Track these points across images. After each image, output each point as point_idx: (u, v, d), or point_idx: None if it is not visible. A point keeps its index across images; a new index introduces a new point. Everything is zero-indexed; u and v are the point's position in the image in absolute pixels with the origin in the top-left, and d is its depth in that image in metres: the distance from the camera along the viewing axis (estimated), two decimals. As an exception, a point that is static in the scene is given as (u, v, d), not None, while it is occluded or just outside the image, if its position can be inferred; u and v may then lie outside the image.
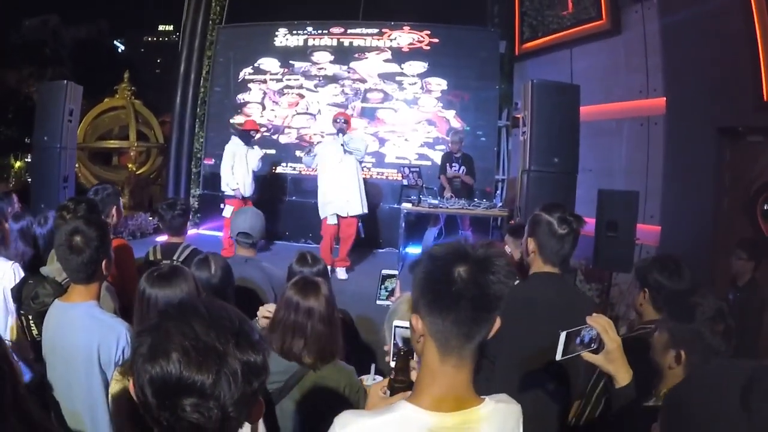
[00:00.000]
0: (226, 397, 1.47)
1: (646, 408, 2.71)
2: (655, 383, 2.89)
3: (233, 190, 11.24)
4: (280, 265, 5.11)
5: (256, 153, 11.53)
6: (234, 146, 11.38)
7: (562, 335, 2.43)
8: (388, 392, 2.35)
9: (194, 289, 3.35)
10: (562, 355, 2.44)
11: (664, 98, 9.60)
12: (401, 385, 2.30)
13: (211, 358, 1.47)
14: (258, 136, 12.33)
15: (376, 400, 2.38)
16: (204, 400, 1.45)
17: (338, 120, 10.14)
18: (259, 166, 11.69)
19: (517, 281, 5.02)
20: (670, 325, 2.83)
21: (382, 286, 3.69)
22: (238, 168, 11.26)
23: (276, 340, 3.34)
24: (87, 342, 3.28)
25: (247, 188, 11.38)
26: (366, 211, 10.28)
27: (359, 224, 10.40)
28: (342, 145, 9.91)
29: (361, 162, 10.40)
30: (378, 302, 3.80)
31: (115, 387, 3.24)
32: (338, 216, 10.04)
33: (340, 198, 9.95)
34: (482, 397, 1.94)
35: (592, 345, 2.49)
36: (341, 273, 10.12)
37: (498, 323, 1.91)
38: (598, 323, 2.49)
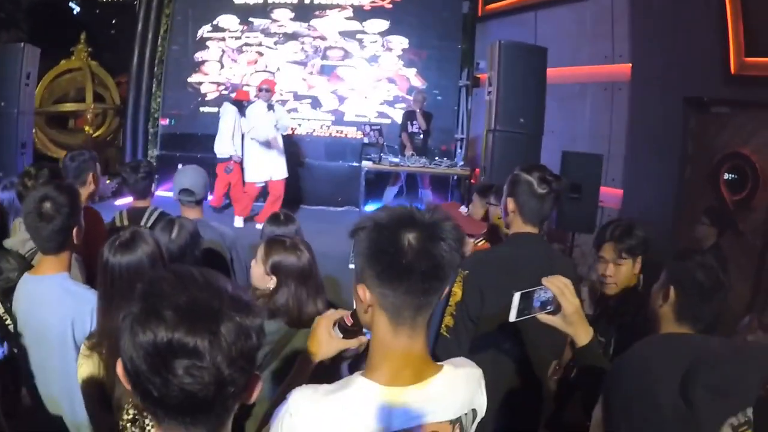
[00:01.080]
0: (221, 358, 1.31)
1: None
2: (649, 331, 2.85)
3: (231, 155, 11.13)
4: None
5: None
6: (231, 113, 11.23)
7: (516, 296, 2.32)
8: (339, 333, 2.23)
9: (157, 253, 3.09)
10: (517, 317, 2.33)
11: (630, 65, 9.51)
12: (354, 329, 2.18)
13: (206, 317, 1.33)
14: (217, 95, 12.60)
15: (322, 334, 2.27)
16: (198, 361, 1.30)
17: (263, 89, 10.49)
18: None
19: (480, 240, 5.12)
20: (666, 267, 2.81)
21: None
22: (237, 134, 11.14)
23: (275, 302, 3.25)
24: (60, 317, 3.10)
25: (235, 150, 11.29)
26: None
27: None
28: (276, 126, 10.35)
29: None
30: (351, 266, 3.57)
31: (83, 368, 2.90)
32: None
33: (272, 162, 10.50)
34: (440, 363, 1.87)
35: (548, 307, 2.39)
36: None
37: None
38: (555, 285, 2.37)
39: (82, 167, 4.97)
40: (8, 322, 3.39)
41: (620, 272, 3.76)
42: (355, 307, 2.00)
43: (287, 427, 1.75)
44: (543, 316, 2.40)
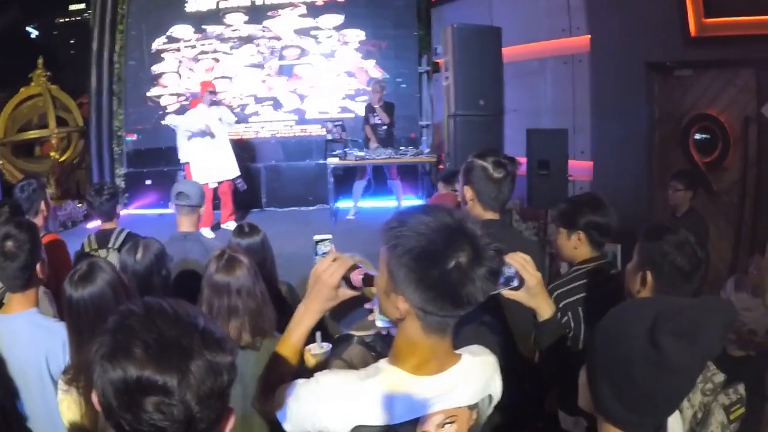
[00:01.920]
0: (191, 396, 1.28)
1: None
2: None
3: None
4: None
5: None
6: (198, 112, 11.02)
7: None
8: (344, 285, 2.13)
9: (117, 280, 3.04)
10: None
11: (589, 36, 9.56)
12: (359, 291, 2.14)
13: (176, 355, 1.29)
14: (178, 107, 12.41)
15: (330, 281, 2.10)
16: (167, 399, 1.27)
17: (211, 91, 10.38)
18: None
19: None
20: (639, 246, 2.84)
21: (319, 252, 3.24)
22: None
23: None
24: (35, 354, 3.11)
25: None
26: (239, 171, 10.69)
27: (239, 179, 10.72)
28: (219, 119, 10.24)
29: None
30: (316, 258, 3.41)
31: (65, 405, 2.86)
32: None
33: (222, 163, 10.29)
34: (458, 352, 1.91)
35: (512, 283, 2.31)
36: (233, 225, 9.96)
37: None
38: (516, 260, 2.31)
39: (33, 197, 4.99)
40: None
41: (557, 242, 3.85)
42: (377, 299, 2.00)
43: (309, 389, 1.87)
44: (507, 292, 2.34)
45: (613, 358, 1.61)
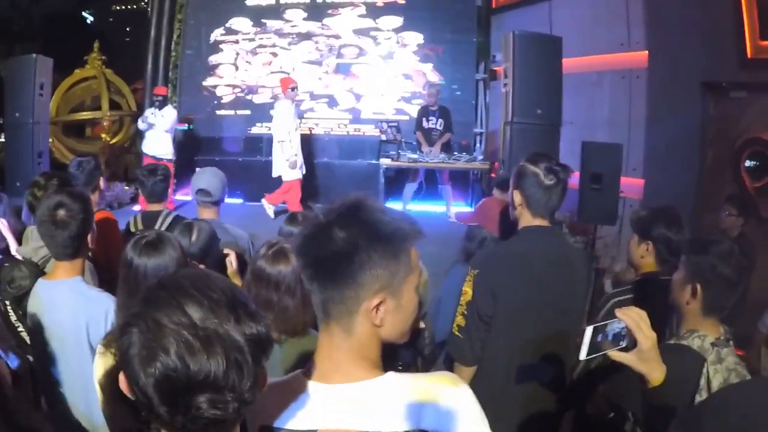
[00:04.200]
0: (240, 382, 1.28)
1: (668, 345, 2.71)
2: (675, 324, 2.95)
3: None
4: (262, 226, 4.95)
5: (162, 113, 11.99)
6: (148, 111, 12.04)
7: (588, 330, 2.09)
8: None
9: (182, 257, 3.17)
10: (588, 354, 2.09)
11: (647, 51, 9.49)
12: None
13: (216, 343, 1.27)
14: (233, 98, 12.66)
15: None
16: (219, 392, 1.26)
17: (293, 87, 10.84)
18: (164, 125, 12.00)
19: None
20: (686, 260, 2.79)
21: None
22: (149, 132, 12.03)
23: None
24: (75, 321, 3.15)
25: (158, 150, 11.97)
26: None
27: None
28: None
29: None
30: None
31: (99, 366, 2.76)
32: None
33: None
34: (386, 373, 1.72)
35: (621, 342, 2.13)
36: None
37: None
38: (630, 317, 2.11)
39: (93, 174, 5.15)
40: (21, 329, 3.46)
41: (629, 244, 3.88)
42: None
43: None
44: (615, 354, 2.14)
45: None
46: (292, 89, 10.83)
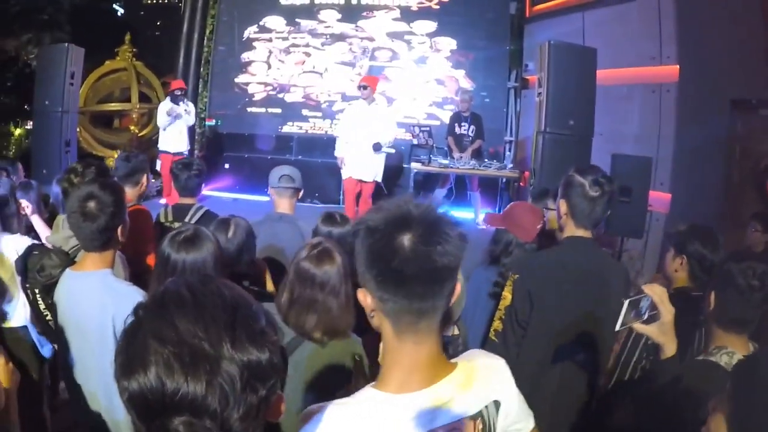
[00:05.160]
0: (226, 411, 1.22)
1: (699, 362, 2.80)
2: (702, 337, 3.02)
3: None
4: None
5: (184, 109, 12.11)
6: (164, 106, 12.08)
7: (625, 303, 2.36)
8: None
9: (219, 254, 3.22)
10: (621, 325, 2.39)
11: (677, 66, 9.43)
12: None
13: (200, 365, 1.21)
14: (264, 96, 12.93)
15: None
16: (198, 417, 1.21)
17: (365, 87, 10.34)
18: (188, 121, 12.25)
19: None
20: (716, 272, 2.87)
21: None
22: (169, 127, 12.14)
23: (292, 316, 3.11)
24: (101, 314, 3.09)
25: (177, 146, 12.14)
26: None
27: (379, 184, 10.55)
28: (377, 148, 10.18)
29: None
30: None
31: None
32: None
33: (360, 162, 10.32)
34: (453, 361, 1.83)
35: (644, 316, 2.42)
36: None
37: (458, 289, 1.79)
38: (655, 292, 2.40)
39: (137, 167, 5.11)
40: (49, 317, 3.50)
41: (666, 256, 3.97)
42: None
43: None
44: (640, 326, 2.44)
45: None
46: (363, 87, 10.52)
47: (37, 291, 3.55)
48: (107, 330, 3.05)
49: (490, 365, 1.91)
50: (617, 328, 2.39)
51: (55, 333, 3.41)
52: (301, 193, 5.32)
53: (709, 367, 2.71)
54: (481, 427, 1.78)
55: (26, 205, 5.23)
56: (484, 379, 1.83)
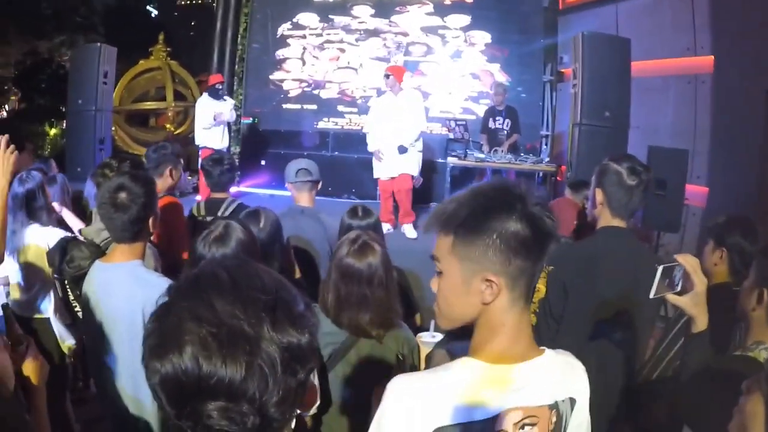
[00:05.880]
0: (264, 395, 1.20)
1: (735, 357, 2.69)
2: (741, 333, 2.88)
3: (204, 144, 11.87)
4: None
5: (227, 105, 11.97)
6: (204, 102, 11.96)
7: (659, 269, 2.30)
8: None
9: (250, 241, 3.25)
10: (655, 294, 2.33)
11: (712, 57, 9.38)
12: None
13: (239, 345, 1.18)
14: (299, 92, 13.16)
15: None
16: (234, 402, 1.18)
17: (388, 76, 9.85)
18: (232, 117, 12.20)
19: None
20: (756, 264, 2.73)
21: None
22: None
23: (345, 316, 3.17)
24: (129, 305, 3.10)
25: (218, 141, 11.91)
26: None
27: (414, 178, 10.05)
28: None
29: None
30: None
31: None
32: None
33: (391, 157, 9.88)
34: (541, 348, 1.84)
35: (677, 287, 2.37)
36: (408, 230, 9.89)
37: None
38: (689, 262, 2.36)
39: (162, 159, 5.22)
40: (78, 309, 3.59)
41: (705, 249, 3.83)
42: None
43: (385, 410, 1.75)
44: (672, 297, 2.39)
45: None
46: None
47: (66, 282, 3.69)
48: (137, 320, 3.05)
49: (573, 364, 1.91)
50: (651, 295, 2.33)
51: (83, 324, 3.47)
52: (319, 185, 5.34)
53: (747, 363, 2.55)
54: (554, 420, 1.79)
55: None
56: (567, 374, 1.86)
